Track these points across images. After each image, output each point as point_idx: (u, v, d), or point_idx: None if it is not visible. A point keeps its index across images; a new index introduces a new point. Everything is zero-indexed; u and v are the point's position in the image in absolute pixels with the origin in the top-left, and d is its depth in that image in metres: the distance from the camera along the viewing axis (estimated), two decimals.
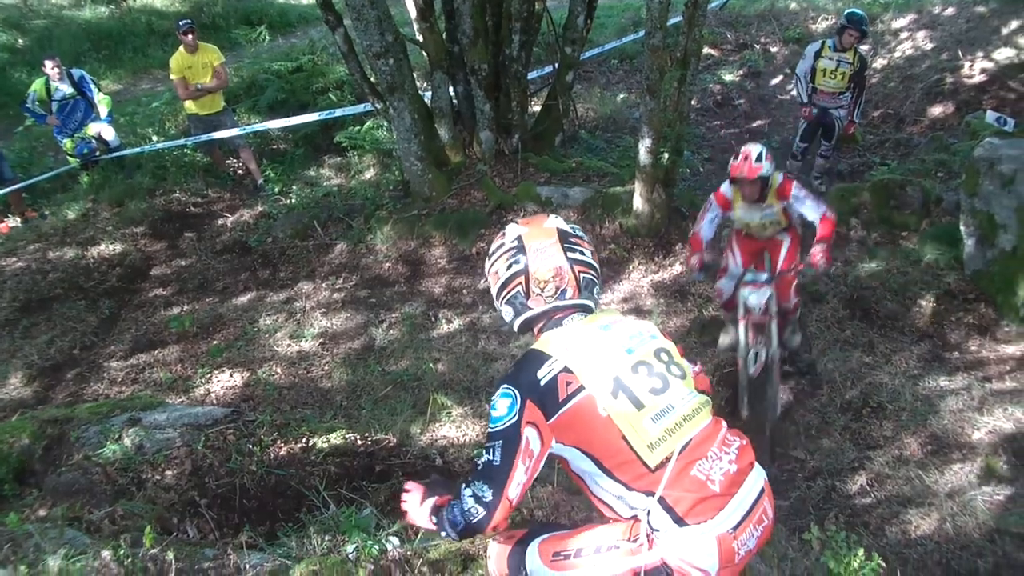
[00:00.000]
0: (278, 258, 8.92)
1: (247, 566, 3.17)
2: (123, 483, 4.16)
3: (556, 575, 2.66)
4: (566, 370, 2.50)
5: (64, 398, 7.14)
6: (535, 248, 2.71)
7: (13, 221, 10.43)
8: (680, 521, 2.45)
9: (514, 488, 2.48)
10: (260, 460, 4.43)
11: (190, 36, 9.85)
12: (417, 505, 2.76)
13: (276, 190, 10.27)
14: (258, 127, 10.66)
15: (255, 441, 4.60)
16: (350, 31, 8.44)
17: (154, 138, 11.26)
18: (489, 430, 2.52)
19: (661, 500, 2.47)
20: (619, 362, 2.58)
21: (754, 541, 2.57)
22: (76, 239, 9.55)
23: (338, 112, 10.50)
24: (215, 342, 7.64)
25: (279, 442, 4.65)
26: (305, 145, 11.18)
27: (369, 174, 10.47)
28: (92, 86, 10.59)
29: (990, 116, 8.09)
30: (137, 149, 10.65)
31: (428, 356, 7.07)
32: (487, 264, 2.80)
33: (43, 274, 9.02)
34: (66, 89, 10.38)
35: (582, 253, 2.73)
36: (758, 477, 2.64)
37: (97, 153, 10.55)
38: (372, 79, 8.59)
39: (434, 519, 2.67)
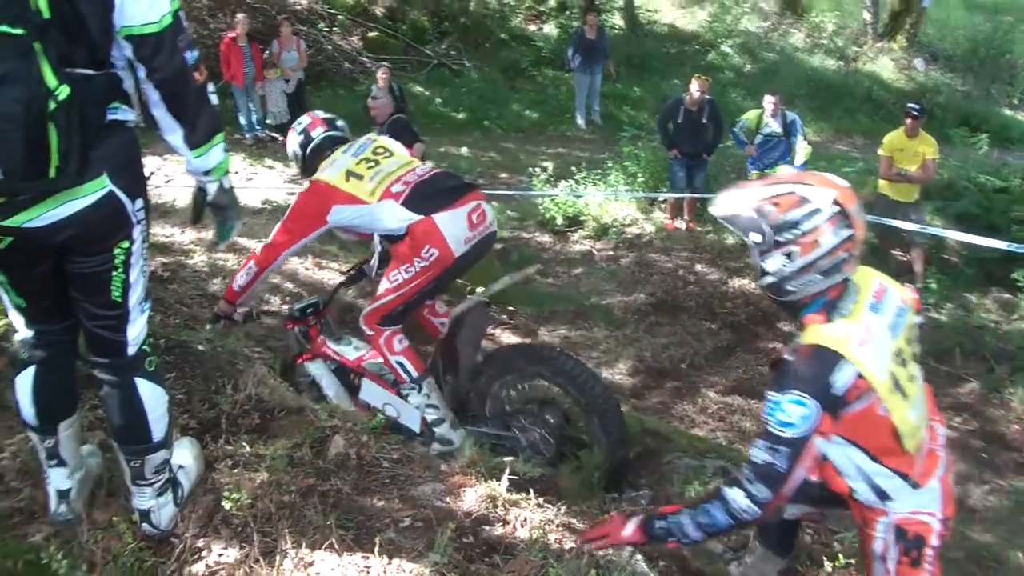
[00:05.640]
0: None
1: None
2: None
3: None
4: (859, 375, 2.51)
5: (655, 404, 7.47)
6: (855, 212, 2.61)
7: (680, 223, 11.16)
8: (917, 486, 2.73)
9: (791, 487, 2.57)
10: None
11: (912, 121, 9.66)
12: (618, 529, 2.82)
13: (929, 300, 9.76)
14: (939, 232, 10.18)
15: None
16: None
17: None
18: (774, 432, 2.53)
19: (908, 479, 2.70)
20: (891, 354, 2.62)
21: (952, 476, 2.94)
22: (724, 265, 9.96)
23: None
24: None
25: None
26: (977, 268, 10.48)
27: None
28: (800, 132, 10.87)
29: None
30: None
31: (1022, 543, 6.31)
32: (788, 234, 2.59)
33: (684, 282, 9.55)
34: (775, 127, 10.78)
35: None
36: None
37: None
38: None
39: (658, 526, 2.73)
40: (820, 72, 19.35)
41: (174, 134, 2.61)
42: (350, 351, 4.94)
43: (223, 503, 3.00)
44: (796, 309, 2.74)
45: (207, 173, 2.80)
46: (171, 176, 11.29)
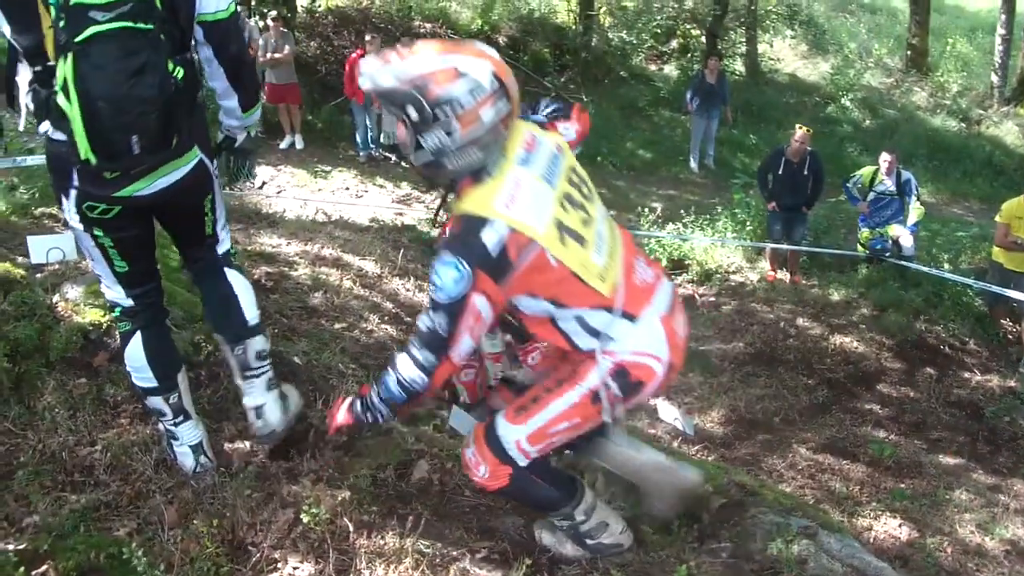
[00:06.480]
0: (1005, 441, 8.19)
1: None
2: None
3: (522, 427, 2.83)
4: (512, 231, 2.52)
5: (744, 455, 7.34)
6: (510, 84, 2.58)
7: (782, 274, 11.06)
8: (632, 318, 2.75)
9: (458, 353, 2.60)
10: None
11: None
12: (340, 412, 2.93)
13: None
14: None
15: None
16: None
17: (945, 266, 11.02)
18: (433, 299, 2.54)
19: (613, 311, 2.73)
20: (552, 202, 2.65)
21: (683, 327, 2.97)
22: (827, 321, 9.79)
23: None
24: (903, 485, 7.26)
25: None
26: None
27: None
28: (914, 192, 10.70)
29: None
30: (926, 268, 10.47)
31: None
32: (448, 109, 2.47)
33: (785, 335, 9.43)
34: (889, 185, 10.64)
35: None
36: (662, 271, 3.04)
37: (887, 254, 10.66)
38: None
39: (359, 408, 2.82)
40: (941, 133, 18.93)
41: (231, 100, 3.12)
42: (486, 344, 5.27)
43: (302, 517, 3.05)
44: (451, 181, 2.74)
45: (246, 128, 3.36)
46: (283, 187, 11.60)
